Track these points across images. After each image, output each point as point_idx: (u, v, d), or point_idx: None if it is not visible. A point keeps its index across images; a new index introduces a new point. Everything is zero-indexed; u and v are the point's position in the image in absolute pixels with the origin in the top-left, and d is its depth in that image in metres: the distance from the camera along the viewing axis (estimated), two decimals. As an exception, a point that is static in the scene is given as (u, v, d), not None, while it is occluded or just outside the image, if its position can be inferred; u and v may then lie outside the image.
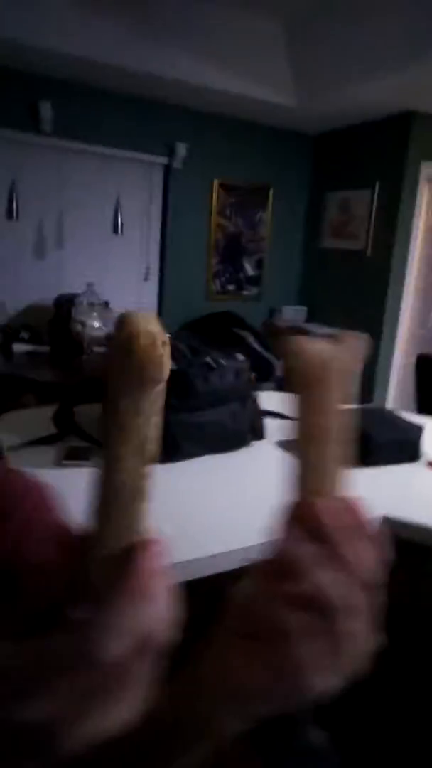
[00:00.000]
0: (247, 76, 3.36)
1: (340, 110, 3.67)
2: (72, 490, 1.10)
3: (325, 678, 0.30)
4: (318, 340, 0.34)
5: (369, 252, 3.93)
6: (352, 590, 0.30)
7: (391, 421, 1.43)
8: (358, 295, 4.05)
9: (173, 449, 1.27)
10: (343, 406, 0.33)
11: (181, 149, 3.87)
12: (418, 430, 1.39)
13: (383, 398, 4.00)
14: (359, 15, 2.91)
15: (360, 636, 0.30)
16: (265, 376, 3.70)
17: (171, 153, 3.88)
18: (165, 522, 0.97)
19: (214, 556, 0.95)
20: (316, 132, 4.30)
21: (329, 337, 0.34)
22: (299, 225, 4.56)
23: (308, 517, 0.31)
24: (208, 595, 0.93)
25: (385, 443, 1.29)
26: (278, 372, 3.74)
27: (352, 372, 0.34)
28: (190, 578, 0.92)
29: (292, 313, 4.43)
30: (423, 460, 1.40)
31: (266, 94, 3.49)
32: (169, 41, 3.10)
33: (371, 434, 1.30)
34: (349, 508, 0.32)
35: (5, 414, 1.54)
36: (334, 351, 0.33)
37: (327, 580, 0.29)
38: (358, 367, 0.35)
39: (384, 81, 3.00)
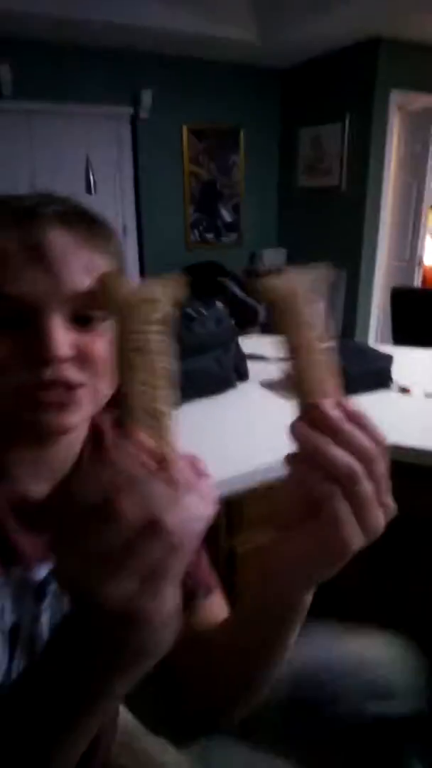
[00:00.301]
0: (206, 15, 3.28)
1: (304, 42, 3.59)
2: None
3: (358, 536, 0.39)
4: (285, 274, 0.44)
5: (344, 187, 3.94)
6: (367, 461, 0.39)
7: (362, 352, 1.55)
8: (335, 231, 4.09)
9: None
10: (316, 321, 0.43)
11: (147, 97, 3.80)
12: (387, 359, 1.52)
13: (365, 331, 4.11)
14: None
15: (380, 497, 0.40)
16: (250, 321, 3.80)
17: (136, 102, 3.82)
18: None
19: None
20: (283, 67, 4.21)
21: (295, 269, 0.45)
22: (273, 166, 4.53)
23: (317, 415, 0.40)
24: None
25: (356, 374, 1.41)
26: (262, 317, 3.83)
27: (317, 292, 0.44)
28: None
29: (273, 256, 4.47)
30: (394, 386, 1.53)
31: (227, 31, 3.41)
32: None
33: (346, 366, 1.41)
34: (343, 403, 0.40)
35: None
36: (298, 278, 0.44)
37: (346, 457, 0.38)
38: (323, 288, 0.44)
39: (348, 7, 2.93)
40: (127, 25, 3.17)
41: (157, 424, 0.34)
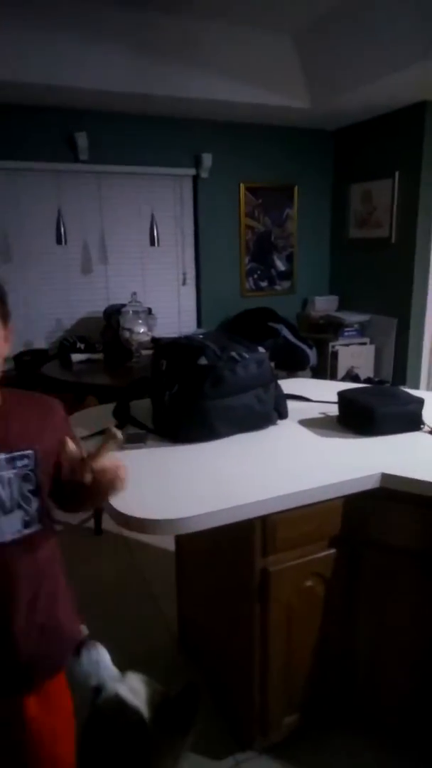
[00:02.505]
0: (263, 86, 3.61)
1: (355, 107, 3.85)
2: (133, 465, 1.45)
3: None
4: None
5: (394, 239, 4.09)
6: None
7: (395, 396, 1.67)
8: (385, 280, 4.22)
9: (210, 430, 1.56)
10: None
11: (207, 159, 4.15)
12: (419, 403, 1.63)
13: (416, 377, 4.15)
14: (363, 18, 3.10)
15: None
16: (299, 364, 3.94)
17: (198, 164, 4.18)
18: (210, 483, 1.31)
19: (242, 506, 1.23)
20: (334, 128, 4.48)
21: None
22: (325, 218, 4.76)
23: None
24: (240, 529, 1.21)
25: (386, 414, 1.53)
26: (312, 361, 3.97)
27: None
28: (228, 522, 1.21)
29: (324, 303, 4.64)
30: (425, 428, 1.63)
31: (282, 100, 3.72)
32: (186, 63, 3.38)
33: (374, 407, 1.54)
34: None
35: (76, 413, 1.88)
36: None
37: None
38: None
39: (395, 78, 3.16)
40: (192, 99, 3.53)
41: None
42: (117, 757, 0.94)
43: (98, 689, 0.98)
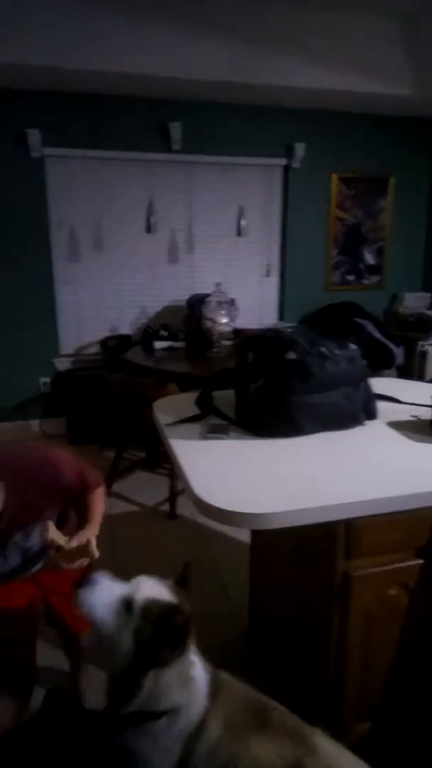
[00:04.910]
0: (365, 74, 3.48)
1: (461, 92, 3.62)
2: (216, 456, 1.44)
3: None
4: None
5: None
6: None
7: None
8: None
9: (294, 426, 1.53)
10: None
11: (300, 149, 4.07)
12: None
13: None
14: None
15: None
16: (385, 363, 3.80)
17: (290, 154, 4.10)
18: (294, 481, 1.28)
19: (327, 507, 1.19)
20: (437, 115, 4.24)
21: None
22: (422, 211, 4.53)
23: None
24: (323, 533, 1.18)
25: None
26: (399, 360, 3.81)
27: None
28: (313, 522, 1.18)
29: (415, 300, 4.43)
30: None
31: (385, 88, 3.56)
32: (283, 50, 3.32)
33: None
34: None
35: (159, 399, 1.91)
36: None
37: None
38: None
39: None
40: (289, 87, 3.46)
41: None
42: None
43: (128, 603, 1.05)
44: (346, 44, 3.39)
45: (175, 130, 3.80)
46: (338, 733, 1.42)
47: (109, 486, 3.16)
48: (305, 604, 1.52)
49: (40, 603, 1.57)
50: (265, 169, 4.14)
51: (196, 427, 1.64)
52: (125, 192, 3.90)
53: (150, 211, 3.81)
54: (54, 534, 1.31)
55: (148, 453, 3.59)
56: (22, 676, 1.50)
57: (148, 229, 3.85)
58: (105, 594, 1.05)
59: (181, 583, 1.14)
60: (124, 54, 3.12)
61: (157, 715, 1.05)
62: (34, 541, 1.34)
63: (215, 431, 1.58)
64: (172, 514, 2.99)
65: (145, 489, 3.28)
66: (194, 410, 1.75)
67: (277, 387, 1.51)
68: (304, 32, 3.30)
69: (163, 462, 3.50)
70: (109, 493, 3.15)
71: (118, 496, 3.20)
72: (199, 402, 1.81)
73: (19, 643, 1.50)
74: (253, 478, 1.31)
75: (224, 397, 1.80)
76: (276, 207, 4.25)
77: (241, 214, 4.00)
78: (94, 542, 1.41)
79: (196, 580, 2.40)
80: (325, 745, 1.03)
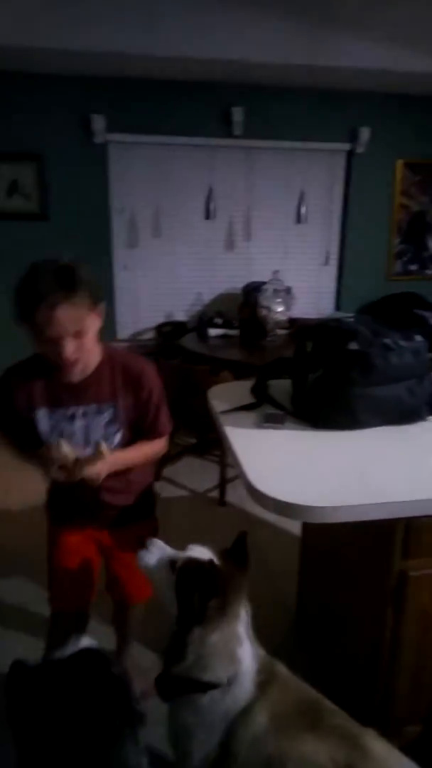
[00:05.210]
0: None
1: None
2: (271, 446, 1.42)
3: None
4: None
5: None
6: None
7: None
8: None
9: (353, 419, 1.49)
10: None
11: (365, 133, 3.93)
12: None
13: None
14: None
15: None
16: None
17: (353, 138, 3.97)
18: (352, 475, 1.25)
19: (386, 504, 1.15)
20: None
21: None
22: None
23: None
24: (378, 532, 1.14)
25: None
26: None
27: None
28: (370, 518, 1.15)
29: None
30: None
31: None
32: (350, 31, 3.19)
33: None
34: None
35: (213, 387, 1.90)
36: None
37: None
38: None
39: None
40: (357, 69, 3.34)
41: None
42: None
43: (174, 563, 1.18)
44: (416, 24, 3.22)
45: (237, 114, 3.75)
46: (386, 735, 1.39)
47: (159, 470, 3.21)
48: (357, 601, 1.49)
49: (100, 564, 1.64)
50: (327, 154, 4.03)
51: (251, 416, 1.62)
52: (185, 178, 3.89)
53: (209, 197, 3.78)
54: (67, 450, 1.29)
55: (198, 439, 3.61)
56: (76, 619, 1.54)
57: (207, 215, 3.83)
58: (159, 556, 1.21)
59: (233, 554, 1.22)
60: (187, 38, 3.09)
61: (203, 686, 1.09)
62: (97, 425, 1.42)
63: (271, 421, 1.56)
64: (222, 501, 3.01)
65: (194, 475, 3.31)
66: (249, 398, 1.74)
67: (337, 378, 1.48)
68: (372, 12, 3.17)
69: (213, 449, 3.51)
70: (159, 477, 3.19)
71: (169, 480, 3.24)
72: (254, 390, 1.79)
73: (78, 586, 1.54)
74: (309, 470, 1.29)
75: (280, 387, 1.78)
76: (337, 193, 4.14)
77: (301, 201, 3.92)
78: (101, 472, 1.34)
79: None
80: (378, 747, 1.01)
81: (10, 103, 3.57)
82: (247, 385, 1.86)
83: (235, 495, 3.02)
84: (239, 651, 1.11)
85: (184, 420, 3.29)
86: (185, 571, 1.13)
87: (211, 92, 3.73)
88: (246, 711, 1.07)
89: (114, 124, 3.67)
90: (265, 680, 1.11)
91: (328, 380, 1.50)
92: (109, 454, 1.32)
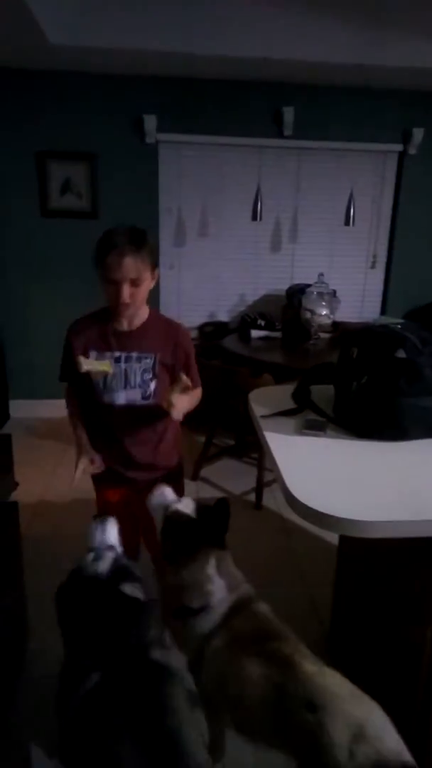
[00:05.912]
0: None
1: None
2: (312, 454, 1.38)
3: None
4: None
5: None
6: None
7: None
8: None
9: (398, 429, 1.44)
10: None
11: (418, 134, 3.82)
12: None
13: None
14: None
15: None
16: None
17: (406, 139, 3.86)
18: (396, 489, 1.19)
19: (428, 522, 1.10)
20: None
21: None
22: None
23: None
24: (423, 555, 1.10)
25: None
26: None
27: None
28: (414, 535, 1.10)
29: None
30: None
31: None
32: (404, 29, 3.10)
33: None
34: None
35: (254, 390, 1.88)
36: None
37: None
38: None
39: None
40: (413, 68, 3.25)
41: None
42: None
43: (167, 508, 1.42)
44: None
45: (288, 114, 3.71)
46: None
47: (197, 470, 3.21)
48: (394, 622, 1.44)
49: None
50: (378, 155, 3.94)
51: (291, 422, 1.59)
52: (233, 178, 3.88)
53: (257, 198, 3.75)
54: (87, 366, 1.59)
55: (237, 441, 3.60)
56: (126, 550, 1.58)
57: (254, 216, 3.80)
58: (161, 500, 1.44)
59: (214, 514, 1.39)
60: (238, 38, 3.07)
61: (183, 609, 1.32)
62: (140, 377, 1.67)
63: (312, 427, 1.53)
64: (258, 505, 2.98)
65: (231, 477, 3.29)
66: (290, 403, 1.70)
67: (383, 386, 1.43)
68: (425, 9, 3.06)
69: (251, 451, 3.48)
70: (197, 477, 3.19)
71: (206, 481, 3.23)
72: (295, 395, 1.76)
73: (122, 521, 1.54)
74: (349, 481, 1.25)
75: (322, 392, 1.74)
76: (388, 195, 4.04)
77: (351, 202, 3.84)
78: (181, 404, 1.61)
79: (278, 574, 2.38)
80: (308, 666, 1.14)
81: (66, 104, 3.65)
82: (288, 389, 1.82)
83: (271, 499, 2.98)
84: (209, 586, 1.31)
85: (223, 421, 3.28)
86: (168, 521, 1.38)
87: (262, 92, 3.71)
88: (210, 634, 1.27)
89: (164, 124, 3.69)
90: (233, 612, 1.29)
91: (373, 388, 1.45)
92: (188, 383, 1.58)
